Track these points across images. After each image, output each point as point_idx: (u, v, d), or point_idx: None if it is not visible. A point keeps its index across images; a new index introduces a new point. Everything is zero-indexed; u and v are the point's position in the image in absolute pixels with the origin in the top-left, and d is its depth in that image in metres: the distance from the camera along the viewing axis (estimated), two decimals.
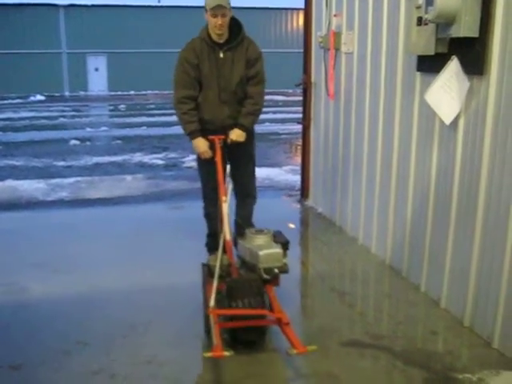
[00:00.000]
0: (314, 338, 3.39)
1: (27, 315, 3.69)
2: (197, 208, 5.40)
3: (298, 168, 6.86)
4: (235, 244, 3.66)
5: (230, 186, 4.12)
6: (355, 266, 4.67)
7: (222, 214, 3.85)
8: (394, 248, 4.40)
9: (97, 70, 31.92)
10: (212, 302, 3.08)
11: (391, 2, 4.22)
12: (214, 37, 4.08)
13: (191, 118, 4.15)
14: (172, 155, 10.79)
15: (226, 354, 2.80)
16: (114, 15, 30.86)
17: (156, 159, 10.36)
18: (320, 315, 3.76)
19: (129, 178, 8.36)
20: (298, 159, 7.23)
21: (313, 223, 5.90)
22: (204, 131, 4.21)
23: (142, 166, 9.72)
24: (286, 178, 8.02)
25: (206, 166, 4.26)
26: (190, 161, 9.88)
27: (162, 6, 32.34)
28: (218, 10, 3.93)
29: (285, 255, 3.40)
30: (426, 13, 3.37)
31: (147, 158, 10.48)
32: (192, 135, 4.17)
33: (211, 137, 4.16)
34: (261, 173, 7.74)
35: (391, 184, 4.37)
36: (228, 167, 4.30)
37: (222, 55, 4.10)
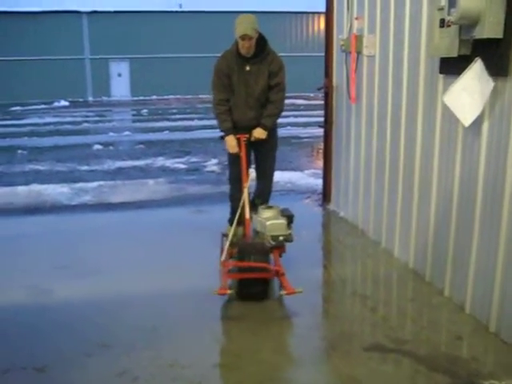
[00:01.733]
0: (335, 341, 3.37)
1: (50, 318, 3.73)
2: (219, 212, 5.44)
3: (320, 172, 6.84)
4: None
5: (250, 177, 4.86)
6: (378, 269, 4.63)
7: (243, 196, 4.58)
8: (418, 252, 4.36)
9: (120, 75, 32.24)
10: (223, 257, 3.95)
11: (413, 4, 4.19)
12: (242, 52, 4.63)
13: (227, 118, 4.86)
14: (194, 159, 10.84)
15: (229, 291, 3.66)
16: (137, 21, 31.11)
17: (178, 163, 10.41)
18: (342, 319, 3.74)
19: (151, 182, 8.41)
20: (320, 163, 7.20)
21: (335, 227, 5.87)
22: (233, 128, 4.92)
23: (164, 171, 9.77)
24: (307, 181, 7.99)
25: (234, 159, 4.95)
26: (212, 165, 9.93)
27: (183, 12, 32.51)
28: (244, 37, 4.50)
29: (289, 227, 4.19)
30: (449, 14, 3.34)
31: (169, 163, 10.53)
32: (226, 132, 4.87)
33: (238, 135, 4.83)
34: (283, 176, 7.78)
35: (414, 187, 4.33)
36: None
37: (248, 68, 4.71)
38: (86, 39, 31.36)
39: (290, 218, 4.24)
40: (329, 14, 5.99)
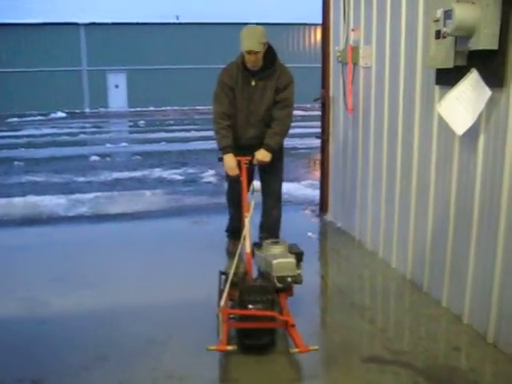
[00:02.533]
0: (333, 353, 3.36)
1: (47, 330, 3.70)
2: (216, 223, 5.43)
3: (317, 182, 6.85)
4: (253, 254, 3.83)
5: (252, 203, 4.15)
6: (375, 280, 4.62)
7: (243, 226, 3.99)
8: (415, 262, 4.35)
9: (117, 86, 32.34)
10: (222, 302, 3.24)
11: (409, 15, 4.22)
12: (249, 66, 4.31)
13: (227, 134, 4.42)
14: (191, 170, 10.85)
15: (229, 348, 3.05)
16: (134, 33, 31.29)
17: (175, 174, 10.42)
18: (340, 330, 3.71)
19: (148, 193, 8.40)
20: (317, 174, 7.21)
21: (332, 238, 5.87)
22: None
23: (161, 182, 9.78)
24: (304, 192, 8.00)
25: (232, 180, 4.55)
26: (209, 176, 9.93)
27: (180, 23, 32.72)
28: (250, 52, 4.18)
29: (299, 266, 3.54)
30: (445, 26, 3.36)
31: (166, 174, 10.54)
32: (224, 150, 4.42)
33: (238, 158, 4.39)
34: None
35: (411, 198, 4.34)
36: (253, 184, 4.61)
37: (253, 83, 4.36)
38: (84, 51, 31.50)
39: (299, 256, 3.58)
40: (325, 25, 6.02)
